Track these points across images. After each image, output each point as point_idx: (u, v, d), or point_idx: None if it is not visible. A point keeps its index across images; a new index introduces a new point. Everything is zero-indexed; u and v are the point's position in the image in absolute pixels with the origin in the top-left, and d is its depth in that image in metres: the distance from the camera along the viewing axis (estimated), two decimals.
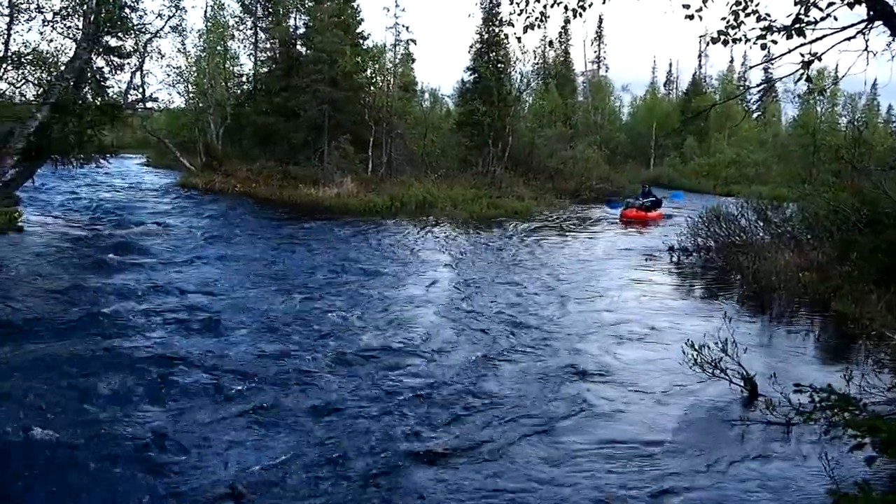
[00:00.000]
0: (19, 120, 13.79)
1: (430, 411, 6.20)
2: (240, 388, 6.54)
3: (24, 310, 8.73)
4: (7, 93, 15.24)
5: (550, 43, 45.07)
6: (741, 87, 48.80)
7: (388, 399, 6.43)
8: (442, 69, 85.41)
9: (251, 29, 32.25)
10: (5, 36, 14.32)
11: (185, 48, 30.79)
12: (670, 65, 62.41)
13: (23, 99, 15.86)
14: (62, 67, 14.49)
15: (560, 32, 44.02)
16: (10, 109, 14.83)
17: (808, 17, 4.27)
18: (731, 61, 55.27)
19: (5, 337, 7.66)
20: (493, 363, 7.56)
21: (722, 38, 4.67)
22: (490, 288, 11.53)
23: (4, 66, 14.36)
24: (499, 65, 30.48)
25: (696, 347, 6.57)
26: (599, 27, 52.15)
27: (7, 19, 14.31)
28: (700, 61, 55.11)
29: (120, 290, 10.17)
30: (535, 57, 39.88)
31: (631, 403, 6.52)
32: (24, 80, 15.39)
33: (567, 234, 18.87)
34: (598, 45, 52.29)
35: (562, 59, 46.72)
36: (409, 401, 6.40)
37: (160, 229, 16.40)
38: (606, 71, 52.77)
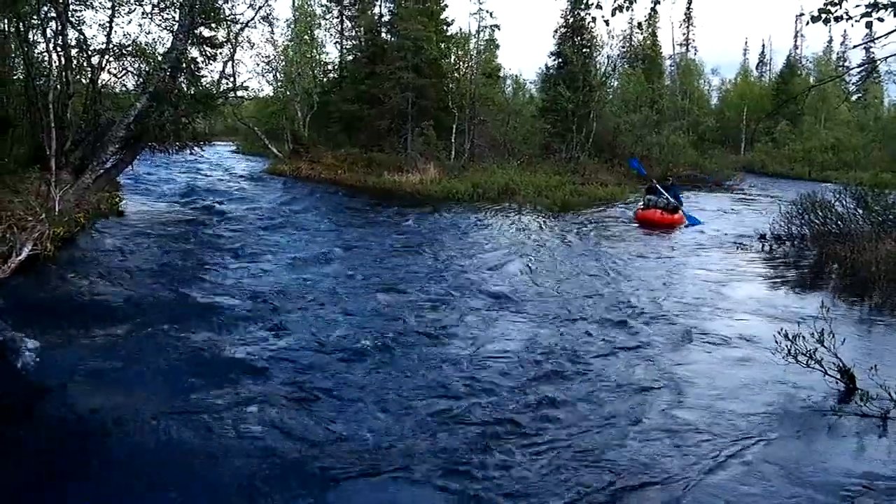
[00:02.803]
0: (120, 109, 14.46)
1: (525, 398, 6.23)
2: (328, 363, 6.75)
3: (126, 289, 9.24)
4: (109, 83, 16.03)
5: (639, 25, 43.95)
6: (840, 69, 46.39)
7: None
8: (524, 55, 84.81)
9: (337, 17, 32.85)
10: (107, 28, 15.04)
11: (273, 38, 31.63)
12: (763, 46, 59.91)
13: (123, 89, 16.66)
14: (159, 58, 15.08)
15: (648, 14, 42.91)
16: (111, 99, 15.57)
17: None
18: (830, 41, 52.60)
19: (111, 315, 8.16)
20: (581, 351, 7.49)
21: (823, 16, 4.47)
22: (578, 277, 11.37)
23: (107, 57, 15.08)
24: (584, 49, 29.98)
25: (790, 337, 6.35)
26: (689, 8, 50.70)
27: (109, 12, 15.03)
28: (796, 42, 52.76)
29: (214, 270, 10.68)
30: (622, 40, 39.09)
31: (719, 392, 6.36)
32: (124, 71, 16.16)
33: None
34: (687, 27, 50.84)
35: (649, 42, 45.56)
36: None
37: (249, 214, 17.02)
38: (695, 53, 51.26)
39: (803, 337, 6.29)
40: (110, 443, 5.19)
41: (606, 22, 5.27)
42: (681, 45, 50.54)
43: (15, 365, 6.51)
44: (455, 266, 11.82)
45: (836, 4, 4.44)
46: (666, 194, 17.81)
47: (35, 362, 6.55)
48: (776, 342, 6.46)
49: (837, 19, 4.48)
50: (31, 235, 9.87)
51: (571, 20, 29.71)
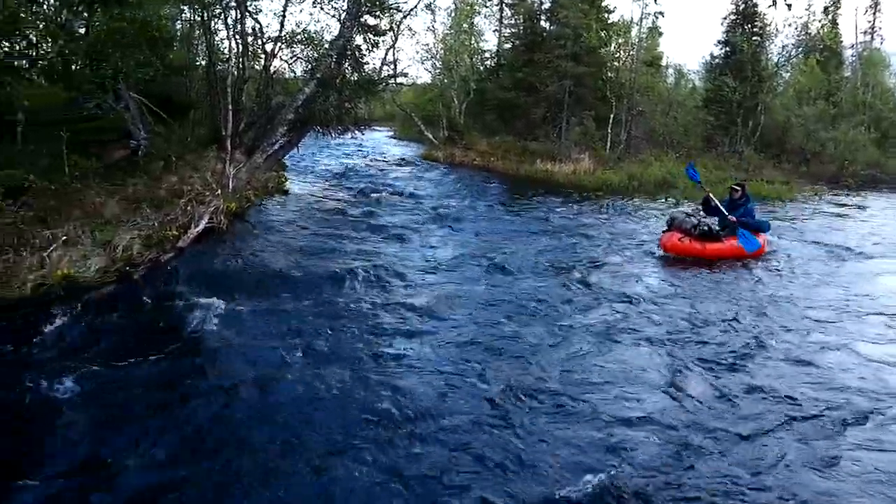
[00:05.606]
0: (289, 94, 15.27)
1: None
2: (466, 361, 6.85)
3: (290, 261, 9.93)
4: (280, 69, 16.99)
5: (825, 11, 40.75)
6: None
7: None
8: (687, 43, 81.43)
9: (497, 5, 32.89)
10: (281, 17, 15.94)
11: (434, 26, 32.19)
12: None
13: (292, 75, 17.59)
14: (326, 46, 15.76)
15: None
16: (281, 84, 16.50)
17: None
18: None
19: (276, 283, 8.88)
20: (731, 364, 7.06)
21: None
22: (734, 284, 10.67)
23: (279, 44, 15.97)
24: (755, 37, 28.36)
25: None
26: None
27: (283, 1, 15.91)
28: None
29: (371, 248, 11.27)
30: (798, 28, 36.51)
31: (879, 412, 5.89)
32: (294, 58, 17.06)
33: (823, 222, 17.08)
34: (874, 14, 46.67)
35: (828, 29, 42.23)
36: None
37: (404, 196, 17.51)
38: (881, 43, 46.94)
39: None
40: (278, 398, 5.69)
41: (789, 6, 4.96)
42: (865, 33, 46.47)
43: (193, 320, 7.31)
44: (602, 264, 11.54)
45: None
46: (719, 213, 12.43)
47: (210, 319, 7.30)
48: None
49: None
50: (208, 209, 10.67)
51: (742, 6, 28.25)
